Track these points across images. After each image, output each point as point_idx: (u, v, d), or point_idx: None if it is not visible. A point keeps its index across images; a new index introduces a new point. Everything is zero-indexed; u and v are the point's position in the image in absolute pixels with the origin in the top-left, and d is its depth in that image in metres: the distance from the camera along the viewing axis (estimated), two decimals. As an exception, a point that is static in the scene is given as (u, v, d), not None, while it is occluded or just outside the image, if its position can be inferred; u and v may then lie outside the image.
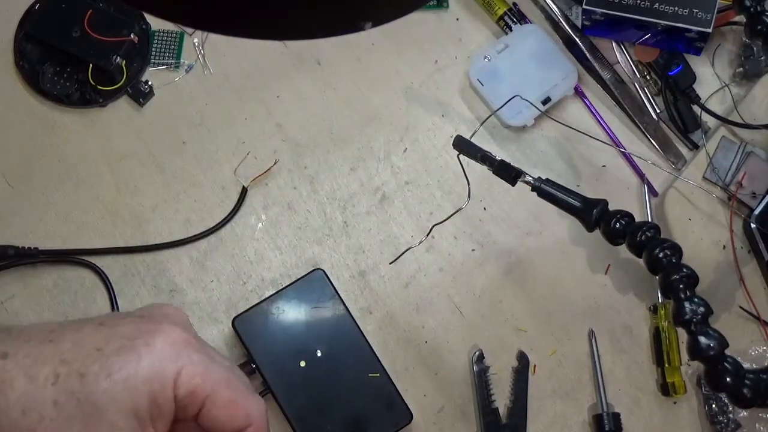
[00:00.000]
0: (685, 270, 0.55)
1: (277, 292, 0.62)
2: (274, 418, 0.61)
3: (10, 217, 0.65)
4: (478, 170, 0.63)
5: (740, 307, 0.65)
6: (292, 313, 0.61)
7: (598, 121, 0.69)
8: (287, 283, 0.63)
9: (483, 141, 0.68)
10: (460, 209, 0.63)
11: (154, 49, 0.69)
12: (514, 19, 0.70)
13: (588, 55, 0.70)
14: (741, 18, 0.68)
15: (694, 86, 0.69)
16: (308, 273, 0.63)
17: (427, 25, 0.71)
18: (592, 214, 0.58)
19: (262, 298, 0.62)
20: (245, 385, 0.47)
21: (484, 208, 0.67)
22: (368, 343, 0.61)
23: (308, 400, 0.59)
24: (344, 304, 0.62)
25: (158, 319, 0.46)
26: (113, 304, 0.63)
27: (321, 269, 0.63)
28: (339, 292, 0.63)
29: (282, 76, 0.69)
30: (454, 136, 0.61)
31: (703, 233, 0.66)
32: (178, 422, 0.46)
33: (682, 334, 0.60)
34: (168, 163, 0.67)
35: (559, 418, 0.63)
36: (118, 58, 0.66)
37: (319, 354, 0.61)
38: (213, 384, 0.44)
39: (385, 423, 0.60)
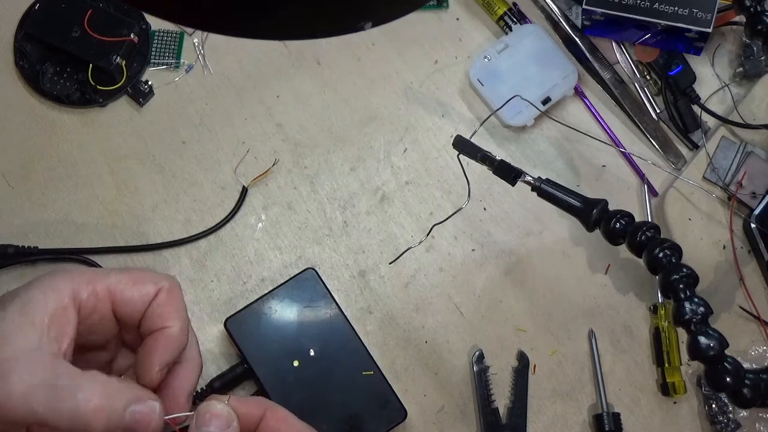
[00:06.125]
0: (685, 270, 0.55)
1: (268, 293, 0.62)
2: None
3: (10, 217, 0.65)
4: (478, 170, 0.63)
5: (740, 307, 0.65)
6: (284, 313, 0.61)
7: (598, 121, 0.69)
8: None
9: (483, 141, 0.68)
10: (460, 209, 0.63)
11: (154, 49, 0.69)
12: (514, 19, 0.70)
13: (588, 55, 0.70)
14: (741, 18, 0.68)
15: (694, 86, 0.69)
16: (300, 272, 0.62)
17: (427, 25, 0.71)
18: (592, 214, 0.58)
19: (254, 299, 0.62)
20: (136, 268, 0.48)
21: (484, 208, 0.67)
22: (361, 341, 0.61)
23: (302, 399, 0.59)
24: (336, 302, 0.62)
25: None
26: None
27: (312, 268, 0.63)
28: (334, 291, 0.63)
29: (282, 76, 0.69)
30: (454, 136, 0.61)
31: (703, 233, 0.66)
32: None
33: (682, 334, 0.60)
34: (168, 163, 0.67)
35: (559, 418, 0.63)
36: (118, 58, 0.66)
37: (312, 353, 0.60)
38: (107, 277, 0.47)
39: (379, 421, 0.60)
